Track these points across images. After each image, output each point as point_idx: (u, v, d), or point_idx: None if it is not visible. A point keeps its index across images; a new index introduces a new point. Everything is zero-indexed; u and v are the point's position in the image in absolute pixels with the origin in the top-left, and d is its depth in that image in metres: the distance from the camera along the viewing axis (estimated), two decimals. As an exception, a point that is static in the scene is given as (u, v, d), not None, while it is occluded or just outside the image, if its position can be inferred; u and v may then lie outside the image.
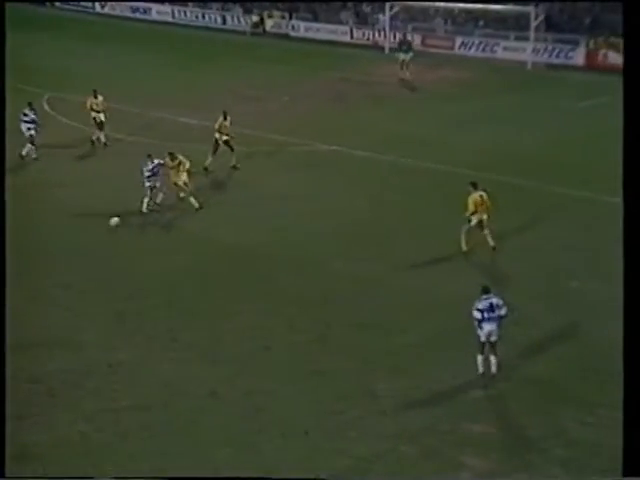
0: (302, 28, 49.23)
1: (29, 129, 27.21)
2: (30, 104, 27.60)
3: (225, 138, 26.16)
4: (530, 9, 41.12)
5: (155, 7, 54.86)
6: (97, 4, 57.00)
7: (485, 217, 20.69)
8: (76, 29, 50.93)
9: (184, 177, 23.51)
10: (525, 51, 41.25)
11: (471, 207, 20.55)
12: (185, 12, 53.77)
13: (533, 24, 40.81)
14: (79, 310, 18.03)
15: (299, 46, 46.27)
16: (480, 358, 15.30)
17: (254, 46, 46.72)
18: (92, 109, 28.68)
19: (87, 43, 46.22)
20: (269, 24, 50.27)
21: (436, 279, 19.24)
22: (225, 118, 26.18)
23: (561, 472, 13.08)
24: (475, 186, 20.65)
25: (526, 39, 41.25)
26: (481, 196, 20.65)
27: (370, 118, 31.91)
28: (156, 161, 23.46)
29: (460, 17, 44.99)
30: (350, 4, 49.67)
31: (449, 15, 45.29)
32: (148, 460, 13.43)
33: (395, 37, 44.46)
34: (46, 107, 32.59)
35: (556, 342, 16.66)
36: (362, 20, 48.62)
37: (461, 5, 43.91)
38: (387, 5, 45.04)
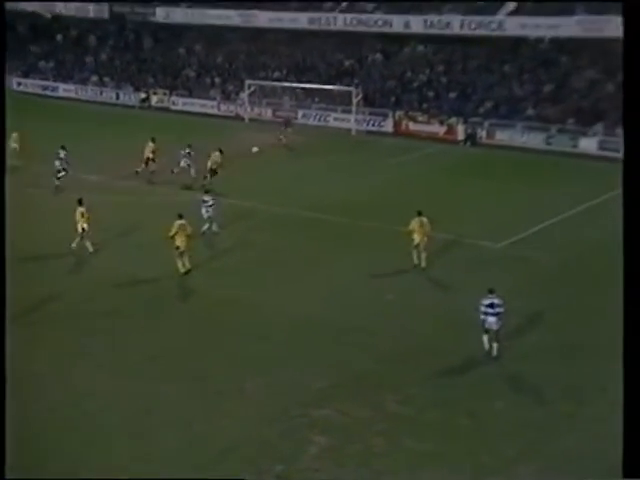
0: (180, 103, 48.88)
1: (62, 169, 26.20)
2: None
3: (215, 167, 29.14)
4: (352, 89, 42.11)
5: (62, 86, 53.25)
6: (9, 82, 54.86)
7: (420, 239, 20.61)
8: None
9: None
10: (350, 121, 42.12)
11: (410, 228, 20.63)
12: (86, 90, 52.46)
13: (354, 100, 41.67)
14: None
15: (178, 117, 45.83)
16: (485, 338, 15.93)
17: (141, 117, 46.02)
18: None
19: None
20: (154, 100, 49.64)
21: (287, 301, 19.24)
22: (221, 152, 29.43)
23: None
24: (420, 213, 20.81)
25: (350, 112, 42.07)
26: (420, 221, 20.69)
27: (237, 172, 31.60)
28: None
29: (301, 95, 45.65)
30: (217, 84, 49.69)
31: (293, 93, 45.83)
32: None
33: (252, 110, 45.03)
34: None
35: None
36: (227, 96, 48.68)
37: (302, 86, 44.67)
38: (246, 85, 45.35)
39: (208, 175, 29.44)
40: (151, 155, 30.75)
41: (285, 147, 36.47)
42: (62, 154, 29.67)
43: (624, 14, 9.96)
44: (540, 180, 31.10)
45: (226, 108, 47.36)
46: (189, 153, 30.48)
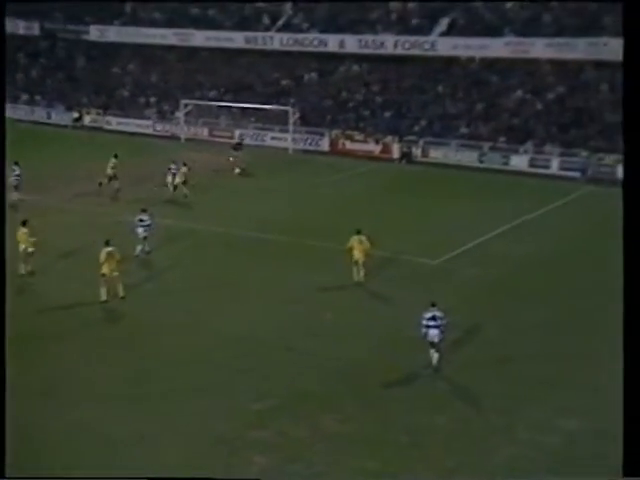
0: (114, 122, 48.27)
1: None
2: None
3: (183, 180, 30.90)
4: (289, 108, 42.36)
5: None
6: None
7: (360, 256, 20.90)
8: None
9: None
10: (287, 140, 42.29)
11: (349, 246, 20.91)
12: (16, 108, 51.27)
13: (291, 119, 41.91)
14: None
15: (112, 137, 45.26)
16: (432, 351, 16.19)
17: (74, 137, 45.27)
18: None
19: None
20: (87, 119, 48.90)
21: (224, 322, 19.14)
22: (185, 165, 31.16)
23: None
24: (359, 231, 21.05)
25: (287, 131, 42.26)
26: (359, 239, 20.94)
27: (176, 195, 31.54)
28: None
29: (238, 114, 45.62)
30: (152, 103, 49.31)
31: (230, 113, 45.76)
32: None
33: (188, 130, 44.83)
34: None
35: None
36: (162, 116, 48.33)
37: (238, 105, 44.68)
38: (182, 104, 45.11)
39: (183, 189, 30.76)
40: (111, 172, 31.44)
41: (233, 170, 35.79)
42: (17, 170, 29.69)
43: (624, 14, 10.02)
44: (474, 197, 31.77)
45: (162, 128, 47.03)
46: (169, 169, 31.39)
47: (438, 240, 25.63)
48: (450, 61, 43.82)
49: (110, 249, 19.87)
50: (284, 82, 47.69)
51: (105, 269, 19.70)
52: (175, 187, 31.10)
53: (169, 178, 31.47)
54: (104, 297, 19.88)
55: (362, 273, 21.31)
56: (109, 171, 31.57)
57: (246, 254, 24.20)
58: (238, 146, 38.17)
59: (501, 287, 21.66)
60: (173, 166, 31.74)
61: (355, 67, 46.71)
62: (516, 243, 25.54)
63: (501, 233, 26.70)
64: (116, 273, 19.84)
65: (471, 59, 43.66)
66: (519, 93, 41.66)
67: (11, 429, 10.69)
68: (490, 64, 42.95)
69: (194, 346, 17.66)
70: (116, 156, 32.32)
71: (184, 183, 31.14)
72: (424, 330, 16.29)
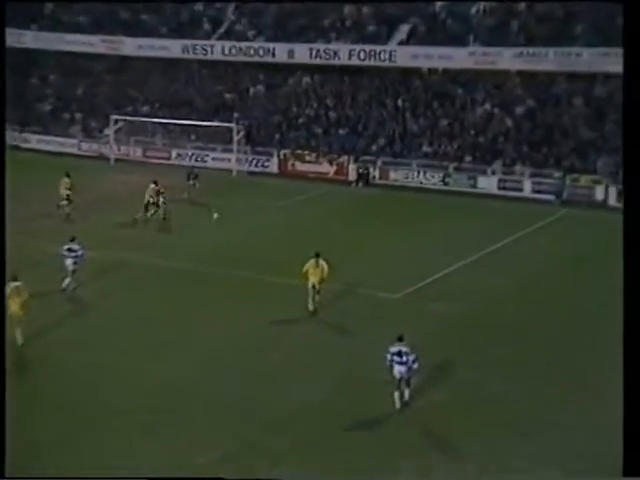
0: (34, 140, 47.64)
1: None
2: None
3: (153, 200, 31.29)
4: (232, 125, 42.45)
5: None
6: None
7: (316, 281, 21.26)
8: None
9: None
10: (230, 161, 42.29)
11: (304, 269, 21.25)
12: None
13: (235, 138, 41.98)
14: None
15: (31, 157, 44.50)
16: (396, 394, 16.13)
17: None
18: None
19: None
20: (2, 137, 48.06)
21: (158, 366, 18.94)
22: (156, 184, 31.55)
23: None
24: (317, 255, 21.35)
25: (230, 151, 42.32)
26: (316, 262, 21.24)
27: (105, 220, 31.22)
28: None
29: (175, 132, 45.47)
30: (78, 119, 48.85)
31: (166, 130, 45.59)
32: None
33: (119, 149, 44.47)
34: None
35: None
36: (89, 133, 47.89)
37: (176, 122, 44.52)
38: (111, 121, 44.76)
39: (146, 210, 31.31)
40: (68, 192, 31.82)
41: (190, 202, 35.02)
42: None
43: (624, 14, 10.55)
44: (438, 223, 32.05)
45: (88, 147, 46.67)
46: (157, 192, 31.76)
47: (399, 271, 25.67)
48: (410, 72, 44.37)
49: (17, 284, 19.14)
50: (227, 96, 47.76)
51: (12, 307, 18.85)
52: (147, 205, 31.35)
53: (162, 198, 31.68)
54: (20, 340, 19.28)
55: (317, 299, 21.59)
56: (63, 192, 31.78)
57: (185, 289, 23.90)
58: (193, 176, 35.95)
59: (469, 323, 21.72)
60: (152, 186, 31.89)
61: (306, 79, 47.03)
62: (486, 274, 25.73)
63: (469, 263, 26.88)
64: (21, 312, 19.07)
65: (433, 70, 44.30)
66: (486, 107, 42.36)
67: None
68: (454, 76, 43.64)
69: (127, 393, 17.26)
70: (68, 175, 32.35)
71: (152, 205, 31.44)
72: (388, 365, 16.34)
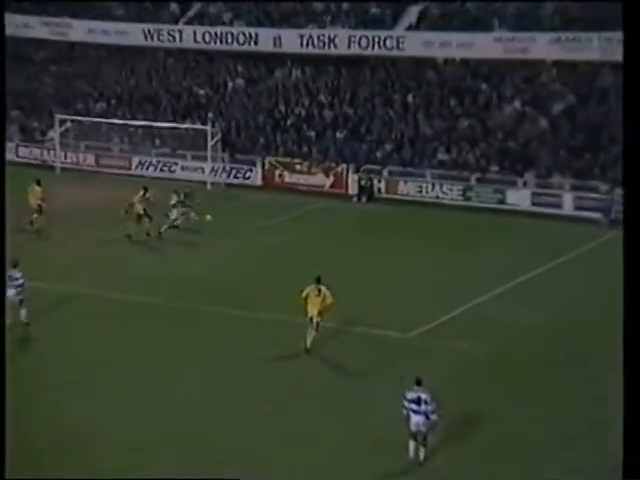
0: (-38, 146, 48.00)
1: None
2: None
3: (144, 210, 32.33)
4: (207, 128, 42.88)
5: None
6: None
7: (315, 312, 21.40)
8: None
9: None
10: (204, 171, 42.77)
11: (303, 296, 21.48)
12: None
13: (210, 143, 42.46)
14: None
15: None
16: (412, 444, 16.52)
17: None
18: None
19: None
20: None
21: (123, 422, 19.07)
22: (146, 192, 32.62)
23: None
24: (318, 280, 21.59)
25: (204, 159, 42.73)
26: (317, 289, 21.49)
27: (52, 246, 31.74)
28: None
29: (136, 136, 45.88)
30: (15, 118, 49.25)
31: (125, 133, 46.02)
32: None
33: (66, 156, 44.94)
34: None
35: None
36: (29, 136, 48.24)
37: (137, 123, 44.99)
38: (57, 121, 45.16)
39: (139, 223, 32.63)
40: (40, 202, 32.90)
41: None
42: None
43: (624, 14, 11.31)
44: (458, 247, 32.36)
45: (28, 152, 47.00)
46: (181, 202, 33.50)
47: (412, 306, 26.00)
48: (422, 63, 45.05)
49: None
50: (199, 92, 48.29)
51: None
52: (140, 217, 32.51)
53: (175, 213, 33.04)
54: None
55: (313, 335, 21.83)
56: (33, 202, 32.65)
57: (151, 328, 24.10)
58: (187, 200, 34.83)
59: (497, 366, 22.01)
60: (176, 199, 33.33)
61: (296, 72, 47.64)
62: (516, 309, 26.03)
63: (496, 295, 27.22)
64: None
65: (450, 61, 44.92)
66: (515, 105, 42.89)
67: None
68: (476, 67, 44.28)
69: (84, 452, 17.54)
70: (39, 183, 33.06)
71: (143, 215, 32.50)
72: (404, 413, 16.70)
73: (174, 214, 33.50)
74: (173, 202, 33.66)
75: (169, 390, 20.50)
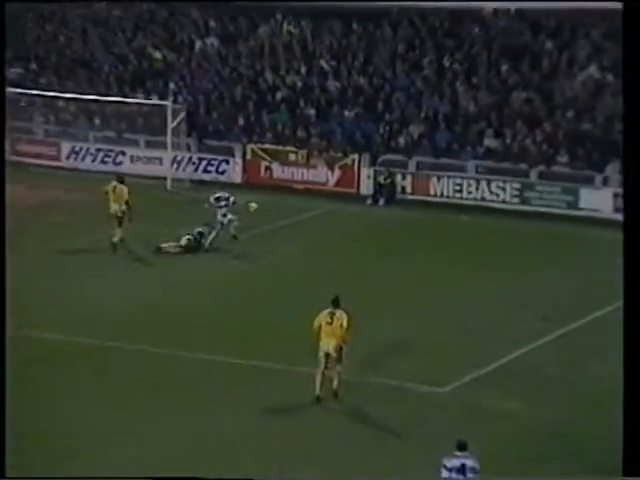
0: None
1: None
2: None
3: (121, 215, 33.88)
4: (167, 103, 43.20)
5: None
6: None
7: (334, 346, 22.05)
8: None
9: None
10: (163, 162, 43.16)
11: (314, 326, 22.26)
12: None
13: (171, 124, 42.75)
14: None
15: None
16: None
17: None
18: None
19: None
20: None
21: None
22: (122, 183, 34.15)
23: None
24: (336, 303, 22.35)
25: (163, 146, 43.07)
26: (331, 315, 22.19)
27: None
28: None
29: (67, 112, 46.04)
30: None
31: (51, 110, 46.24)
32: None
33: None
34: None
35: None
36: None
37: (69, 96, 45.08)
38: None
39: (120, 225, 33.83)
40: None
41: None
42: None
43: (624, 14, 13.14)
44: (511, 268, 32.63)
45: None
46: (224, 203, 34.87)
47: (451, 348, 26.26)
48: (462, 15, 45.49)
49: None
50: (156, 54, 48.56)
51: None
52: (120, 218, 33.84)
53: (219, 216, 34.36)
54: None
55: (336, 380, 22.49)
56: None
57: (100, 378, 24.46)
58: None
59: (554, 433, 22.25)
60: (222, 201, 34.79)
61: (288, 27, 47.92)
62: (590, 354, 26.27)
63: (565, 334, 27.63)
64: None
65: (502, 11, 45.41)
66: (591, 72, 43.01)
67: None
68: (535, 20, 44.61)
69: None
70: None
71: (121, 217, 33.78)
72: None
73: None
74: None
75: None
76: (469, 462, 17.04)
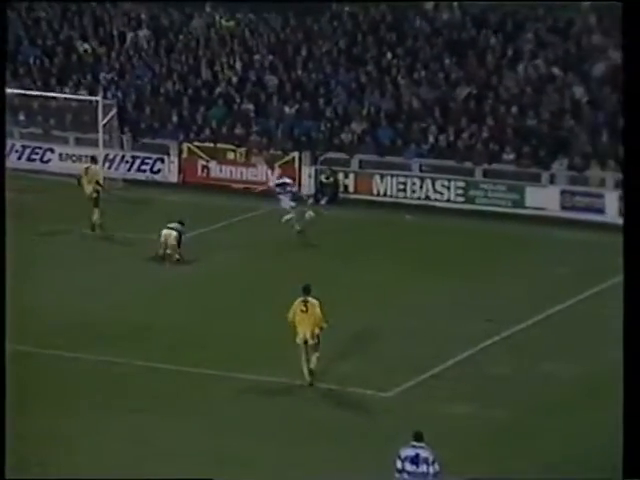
0: None
1: None
2: None
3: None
4: (97, 99, 43.31)
5: None
6: None
7: (310, 331, 23.26)
8: None
9: None
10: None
11: (289, 316, 23.49)
12: None
13: (102, 120, 42.83)
14: None
15: None
16: None
17: None
18: None
19: None
20: None
21: None
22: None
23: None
24: (307, 291, 23.83)
25: (92, 143, 43.33)
26: (304, 303, 23.41)
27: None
28: None
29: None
30: None
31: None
32: None
33: None
34: None
35: None
36: None
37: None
38: None
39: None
40: None
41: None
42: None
43: (624, 14, 14.40)
44: (456, 270, 33.39)
45: None
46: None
47: (394, 353, 26.94)
48: (405, 7, 46.19)
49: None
50: (84, 46, 48.65)
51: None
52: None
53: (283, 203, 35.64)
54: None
55: (314, 358, 23.76)
56: None
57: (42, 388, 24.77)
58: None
59: (511, 433, 23.10)
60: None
61: (223, 18, 48.39)
62: (540, 355, 27.11)
63: (511, 336, 28.37)
64: None
65: (444, 5, 46.36)
66: (538, 64, 43.52)
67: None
68: (482, 14, 45.43)
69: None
70: None
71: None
72: (395, 476, 17.77)
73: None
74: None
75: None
76: (423, 453, 17.66)
